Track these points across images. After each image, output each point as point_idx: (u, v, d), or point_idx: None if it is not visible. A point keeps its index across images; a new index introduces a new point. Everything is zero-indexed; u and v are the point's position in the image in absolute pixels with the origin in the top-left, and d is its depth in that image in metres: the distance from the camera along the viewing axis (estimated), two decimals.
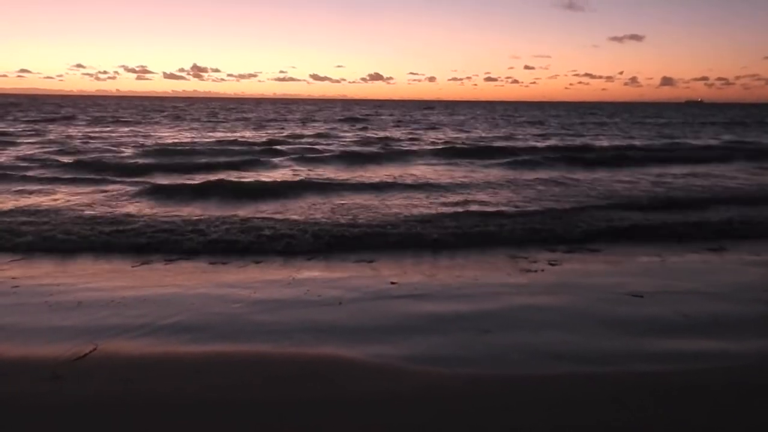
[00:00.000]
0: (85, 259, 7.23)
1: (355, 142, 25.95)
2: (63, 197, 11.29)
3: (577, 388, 3.87)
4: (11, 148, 21.12)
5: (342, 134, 31.90)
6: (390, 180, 14.35)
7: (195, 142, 24.57)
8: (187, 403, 3.68)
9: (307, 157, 19.64)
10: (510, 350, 4.52)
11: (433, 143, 25.90)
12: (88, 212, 9.71)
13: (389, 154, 20.69)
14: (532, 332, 4.91)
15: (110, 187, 12.66)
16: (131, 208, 10.27)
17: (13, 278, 6.35)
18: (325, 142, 25.82)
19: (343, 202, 11.26)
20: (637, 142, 27.88)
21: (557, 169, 17.31)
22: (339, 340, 4.74)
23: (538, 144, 26.04)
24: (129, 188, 12.42)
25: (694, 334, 4.90)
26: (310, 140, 27.16)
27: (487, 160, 19.36)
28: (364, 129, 37.29)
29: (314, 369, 4.18)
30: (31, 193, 11.75)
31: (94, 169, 15.38)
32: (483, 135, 32.77)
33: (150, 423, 3.46)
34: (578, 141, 28.78)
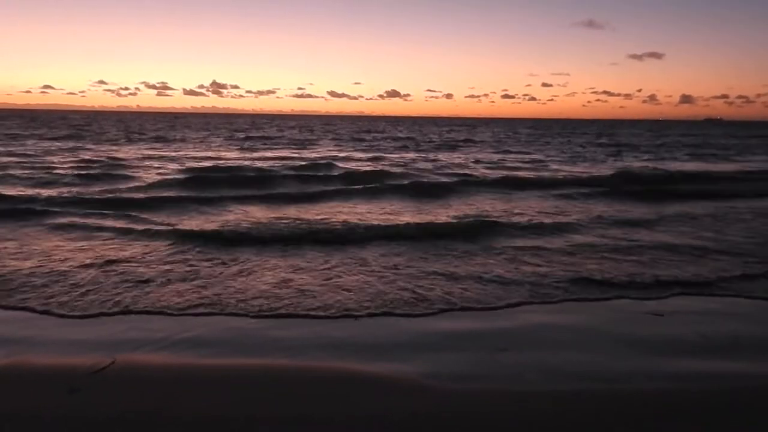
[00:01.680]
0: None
1: (420, 169, 21.85)
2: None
3: (593, 406, 3.84)
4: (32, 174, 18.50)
5: (394, 156, 28.94)
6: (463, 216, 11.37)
7: (271, 168, 21.18)
8: (204, 417, 3.69)
9: (371, 187, 15.67)
10: (527, 368, 4.49)
11: (507, 169, 22.91)
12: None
13: (457, 183, 16.81)
14: (548, 351, 4.87)
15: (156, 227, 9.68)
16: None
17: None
18: (384, 168, 21.67)
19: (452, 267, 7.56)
20: (707, 166, 25.30)
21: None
22: (354, 356, 4.73)
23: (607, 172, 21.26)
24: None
25: (713, 354, 4.83)
26: (367, 165, 23.56)
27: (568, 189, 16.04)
28: (416, 151, 33.54)
29: (329, 385, 4.18)
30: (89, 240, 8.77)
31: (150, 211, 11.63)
32: (545, 157, 29.75)
33: None
34: (639, 164, 25.50)
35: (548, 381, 4.25)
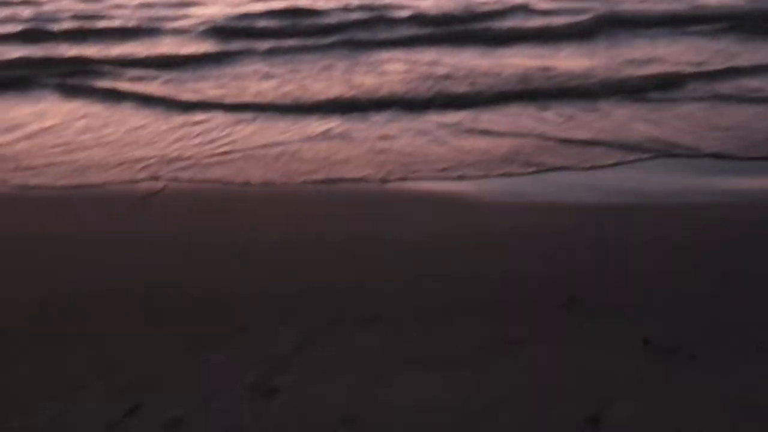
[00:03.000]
0: None
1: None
2: None
3: (629, 219, 3.91)
4: None
5: None
6: None
7: None
8: (263, 239, 3.67)
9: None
10: (564, 187, 4.54)
11: None
12: None
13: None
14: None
15: None
16: None
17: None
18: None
19: None
20: None
21: None
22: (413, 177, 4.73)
23: None
24: None
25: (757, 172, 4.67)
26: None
27: None
28: None
29: (388, 204, 4.30)
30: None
31: None
32: None
33: (218, 258, 3.40)
34: None
35: (581, 197, 4.31)
